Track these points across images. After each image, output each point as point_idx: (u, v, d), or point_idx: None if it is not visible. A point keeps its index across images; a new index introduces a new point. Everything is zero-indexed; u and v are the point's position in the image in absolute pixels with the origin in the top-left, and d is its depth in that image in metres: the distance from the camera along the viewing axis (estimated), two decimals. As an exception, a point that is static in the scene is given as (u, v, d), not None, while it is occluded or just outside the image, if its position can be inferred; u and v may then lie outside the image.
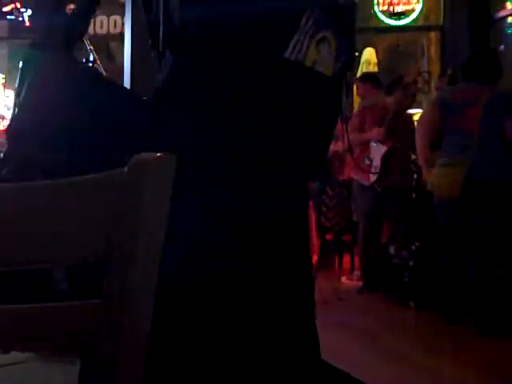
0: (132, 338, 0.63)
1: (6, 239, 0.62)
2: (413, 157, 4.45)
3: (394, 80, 5.24)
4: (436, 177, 3.80)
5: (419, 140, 3.96)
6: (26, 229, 0.62)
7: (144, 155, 0.62)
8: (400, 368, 3.05)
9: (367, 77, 5.50)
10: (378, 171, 4.68)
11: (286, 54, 0.94)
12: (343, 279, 5.30)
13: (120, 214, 0.61)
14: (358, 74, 7.31)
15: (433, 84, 6.98)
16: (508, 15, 6.69)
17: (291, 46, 0.95)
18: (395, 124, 4.63)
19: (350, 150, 4.19)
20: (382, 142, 4.71)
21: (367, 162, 4.88)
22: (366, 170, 4.77)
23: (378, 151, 4.75)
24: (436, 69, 7.24)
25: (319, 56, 0.98)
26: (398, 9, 7.26)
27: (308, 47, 0.96)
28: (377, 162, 4.74)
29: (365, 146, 4.87)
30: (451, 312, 3.74)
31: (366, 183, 4.83)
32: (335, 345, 3.42)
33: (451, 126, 3.75)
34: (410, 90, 4.94)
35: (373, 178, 4.77)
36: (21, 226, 0.62)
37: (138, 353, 0.64)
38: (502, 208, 3.57)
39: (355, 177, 5.01)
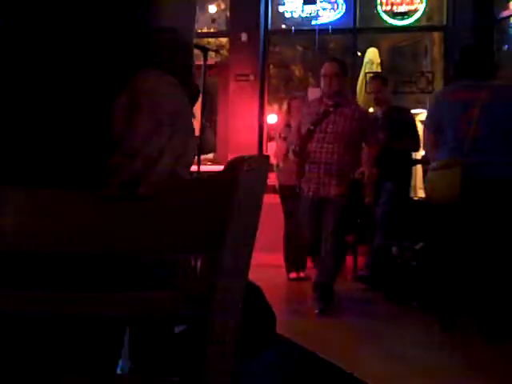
0: (223, 318, 0.69)
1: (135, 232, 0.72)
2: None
3: None
4: (431, 181, 3.73)
5: (431, 155, 3.86)
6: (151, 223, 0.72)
7: (240, 156, 0.70)
8: (402, 368, 3.05)
9: None
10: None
11: None
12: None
13: (217, 208, 0.69)
14: (361, 75, 7.33)
15: (436, 84, 6.98)
16: (511, 15, 6.69)
17: None
18: None
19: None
20: None
21: None
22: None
23: None
24: (439, 69, 7.24)
25: None
26: (401, 9, 7.25)
27: None
28: None
29: None
30: (447, 318, 3.72)
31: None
32: (337, 344, 3.43)
33: (447, 127, 3.67)
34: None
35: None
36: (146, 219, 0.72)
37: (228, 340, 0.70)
38: (505, 206, 3.55)
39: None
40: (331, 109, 4.15)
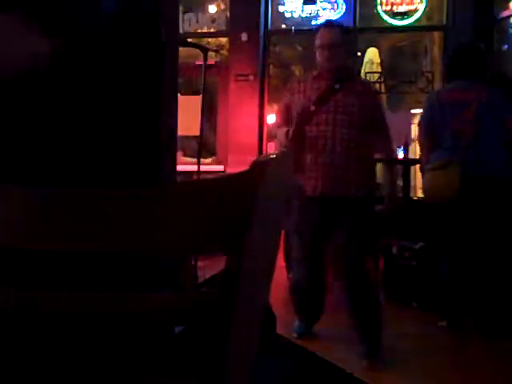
0: (246, 319, 0.70)
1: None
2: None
3: None
4: (427, 181, 3.73)
5: (424, 157, 3.86)
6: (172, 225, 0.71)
7: (263, 157, 0.68)
8: (402, 368, 3.05)
9: None
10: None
11: None
12: None
13: (241, 209, 0.67)
14: (361, 75, 7.33)
15: (436, 84, 6.98)
16: (511, 15, 6.68)
17: None
18: None
19: None
20: None
21: None
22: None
23: None
24: (439, 69, 7.24)
25: None
26: (401, 9, 7.25)
27: None
28: None
29: None
30: (456, 319, 3.71)
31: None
32: (337, 344, 3.43)
33: (442, 128, 3.66)
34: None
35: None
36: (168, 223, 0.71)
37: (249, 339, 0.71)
38: (502, 204, 3.56)
39: None
40: (337, 86, 3.20)
